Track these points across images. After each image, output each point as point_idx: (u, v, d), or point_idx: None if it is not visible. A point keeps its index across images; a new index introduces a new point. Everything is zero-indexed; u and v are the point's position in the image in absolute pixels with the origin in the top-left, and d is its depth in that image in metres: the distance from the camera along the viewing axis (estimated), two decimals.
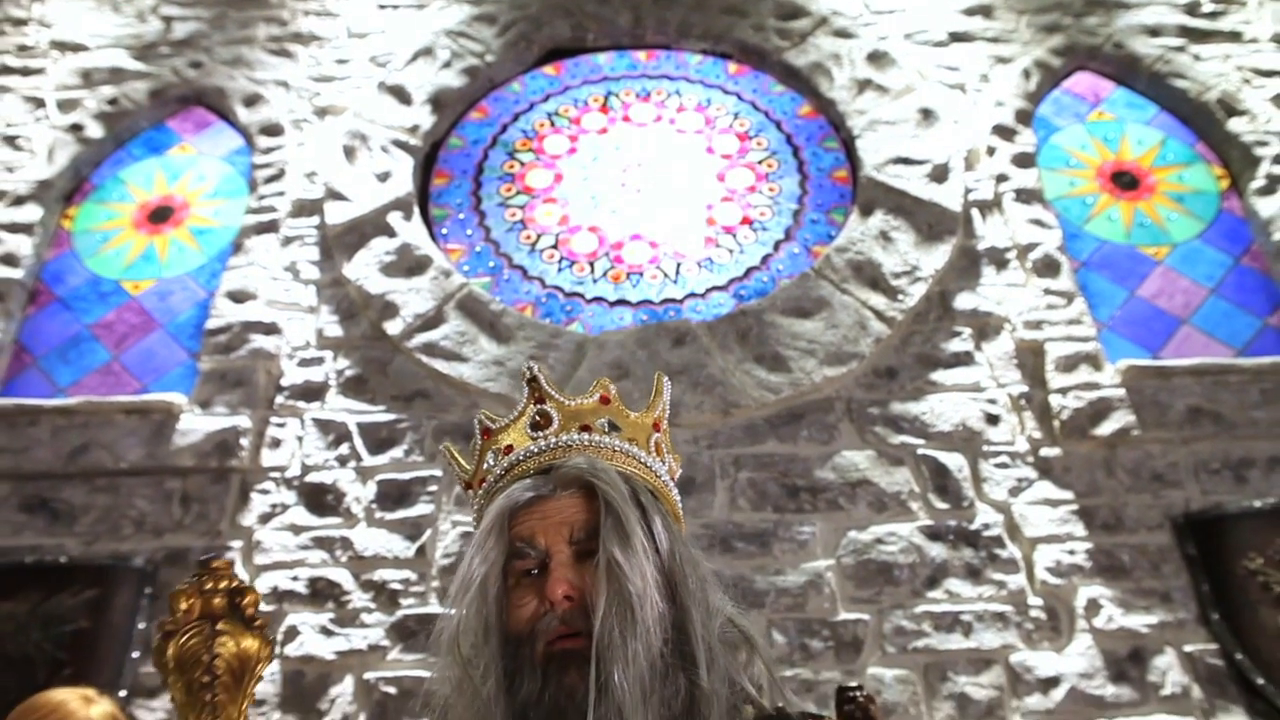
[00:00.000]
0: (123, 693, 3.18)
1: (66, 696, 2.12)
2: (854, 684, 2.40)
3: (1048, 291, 3.86)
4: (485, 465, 1.32)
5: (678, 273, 4.13)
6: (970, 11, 4.81)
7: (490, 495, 1.26)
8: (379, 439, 3.69)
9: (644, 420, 1.33)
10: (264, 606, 3.00)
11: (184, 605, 0.96)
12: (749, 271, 4.12)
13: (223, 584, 0.98)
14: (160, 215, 4.46)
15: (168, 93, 4.79)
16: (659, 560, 1.16)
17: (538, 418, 1.30)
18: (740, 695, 1.18)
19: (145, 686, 3.26)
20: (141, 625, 3.36)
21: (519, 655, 1.13)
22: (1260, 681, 3.06)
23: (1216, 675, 3.14)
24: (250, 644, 0.97)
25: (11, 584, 3.39)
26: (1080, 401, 3.59)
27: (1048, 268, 3.92)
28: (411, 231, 4.16)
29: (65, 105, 4.76)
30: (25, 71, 4.90)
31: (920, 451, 3.57)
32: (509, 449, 1.29)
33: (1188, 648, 3.19)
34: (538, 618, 1.13)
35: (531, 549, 1.17)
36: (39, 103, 4.78)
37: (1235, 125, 4.35)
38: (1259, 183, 4.18)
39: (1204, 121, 4.45)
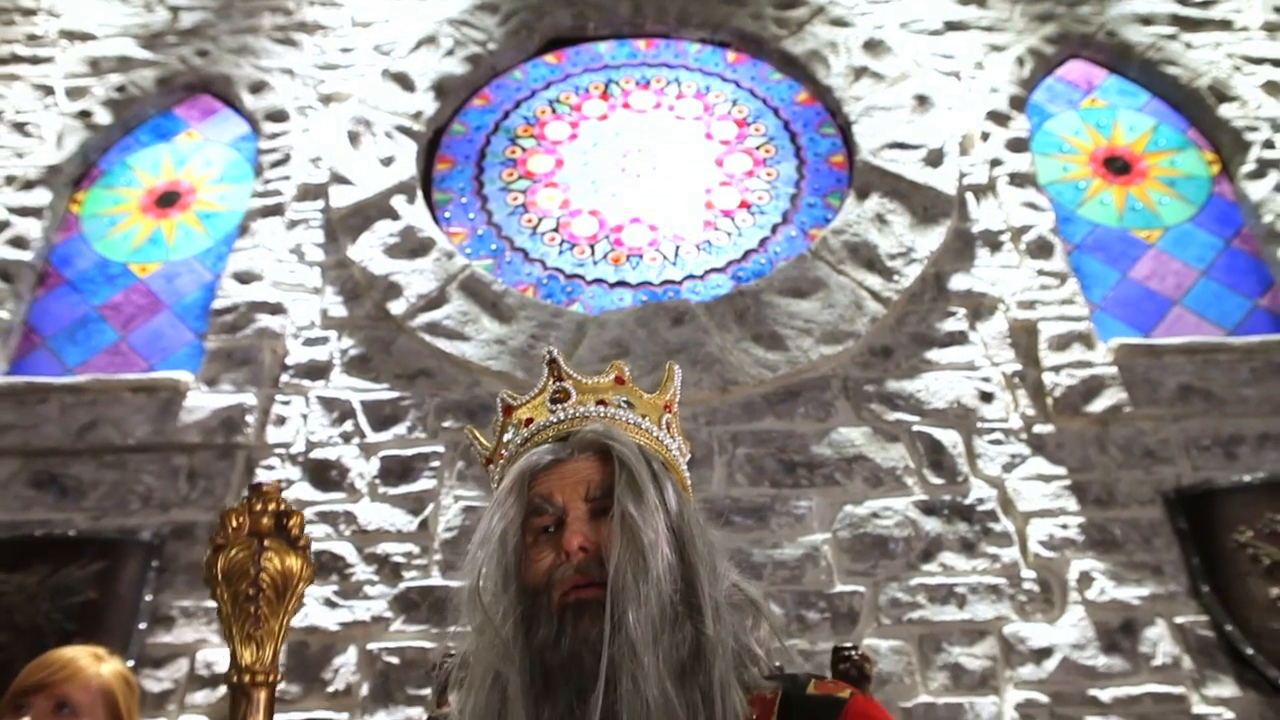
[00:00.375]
0: (130, 662, 3.18)
1: (77, 653, 2.13)
2: (849, 644, 2.42)
3: (1041, 272, 3.86)
4: (506, 438, 1.36)
5: (677, 255, 4.14)
6: (965, 0, 4.82)
7: (511, 462, 1.31)
8: (382, 416, 3.69)
9: (656, 401, 1.39)
10: None
11: (234, 523, 0.99)
12: (747, 254, 4.13)
13: (271, 505, 1.01)
14: (167, 200, 4.47)
15: (175, 80, 4.80)
16: (669, 519, 1.20)
17: (557, 394, 1.35)
18: (747, 654, 1.21)
19: (152, 657, 3.27)
20: (148, 597, 3.37)
21: (536, 603, 1.17)
22: (1250, 651, 3.06)
23: (1207, 646, 3.14)
24: (294, 562, 1.00)
25: (22, 556, 3.41)
26: (1073, 379, 3.59)
27: (1041, 249, 3.92)
28: (415, 214, 4.16)
29: (74, 93, 4.77)
30: (35, 60, 4.90)
31: (915, 428, 3.58)
32: (529, 421, 1.34)
33: (1178, 619, 3.19)
34: (554, 568, 1.18)
35: (549, 505, 1.22)
36: (48, 90, 4.78)
37: (1226, 111, 4.35)
38: (1249, 167, 4.18)
39: (1195, 108, 4.45)
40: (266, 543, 0.99)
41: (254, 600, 0.96)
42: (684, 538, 1.21)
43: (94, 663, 2.13)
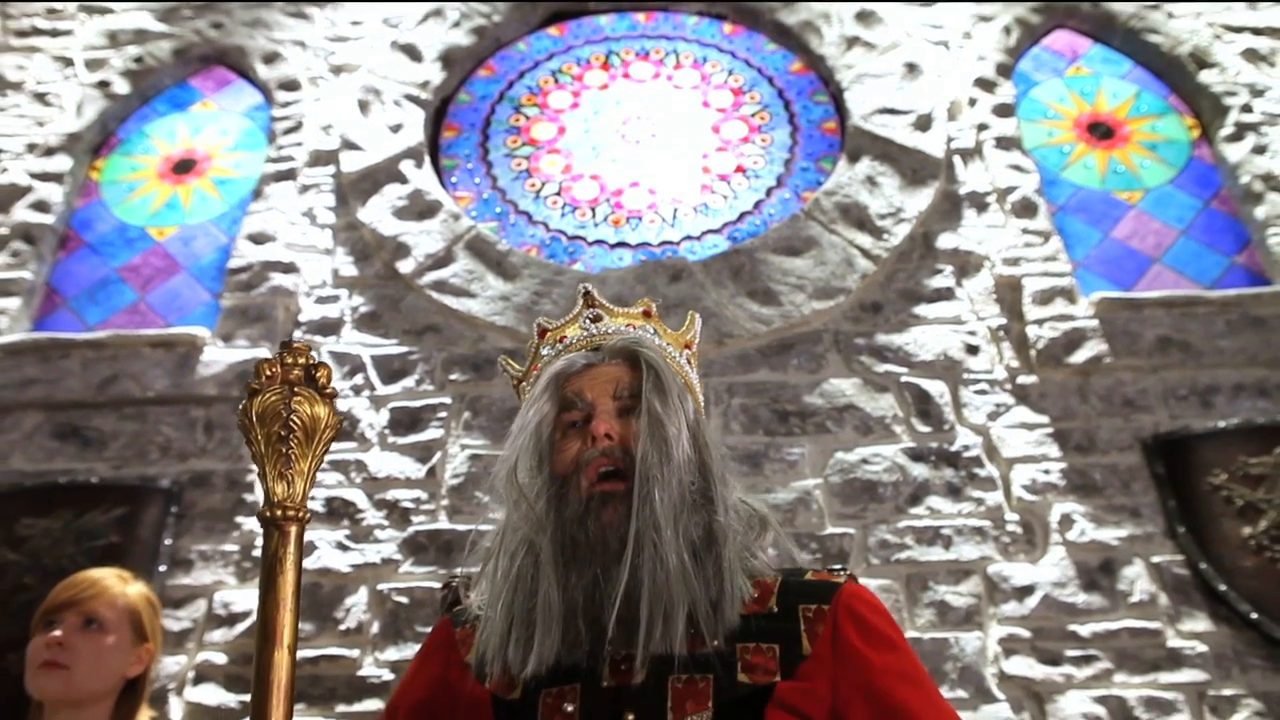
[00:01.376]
0: None
1: (104, 574, 2.19)
2: (838, 565, 2.45)
3: (1025, 231, 3.88)
4: (542, 353, 1.45)
5: (675, 217, 4.16)
6: None
7: (545, 369, 1.39)
8: (392, 370, 3.72)
9: (679, 337, 1.49)
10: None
11: (268, 372, 1.07)
12: (742, 216, 4.15)
13: (301, 360, 1.08)
14: (183, 167, 4.49)
15: (190, 52, 4.81)
16: (688, 423, 1.30)
17: (590, 317, 1.45)
18: (749, 551, 1.32)
19: (172, 598, 3.30)
20: (168, 541, 3.40)
21: (566, 486, 1.26)
22: (1222, 588, 3.09)
23: (1182, 584, 3.17)
24: (321, 410, 1.06)
25: (47, 502, 3.44)
26: (1055, 332, 3.61)
27: (1025, 209, 3.94)
28: (423, 178, 4.18)
29: (93, 64, 4.78)
30: (54, 33, 4.92)
31: (904, 379, 3.60)
32: (563, 338, 1.44)
33: (1155, 559, 3.22)
34: (581, 453, 1.27)
35: (580, 401, 1.31)
36: (68, 62, 4.80)
37: (1206, 77, 4.35)
38: (1228, 130, 4.19)
39: (1176, 75, 4.45)
40: (297, 390, 1.05)
41: (285, 441, 1.03)
42: (700, 442, 1.31)
43: (119, 583, 2.19)
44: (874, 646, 1.24)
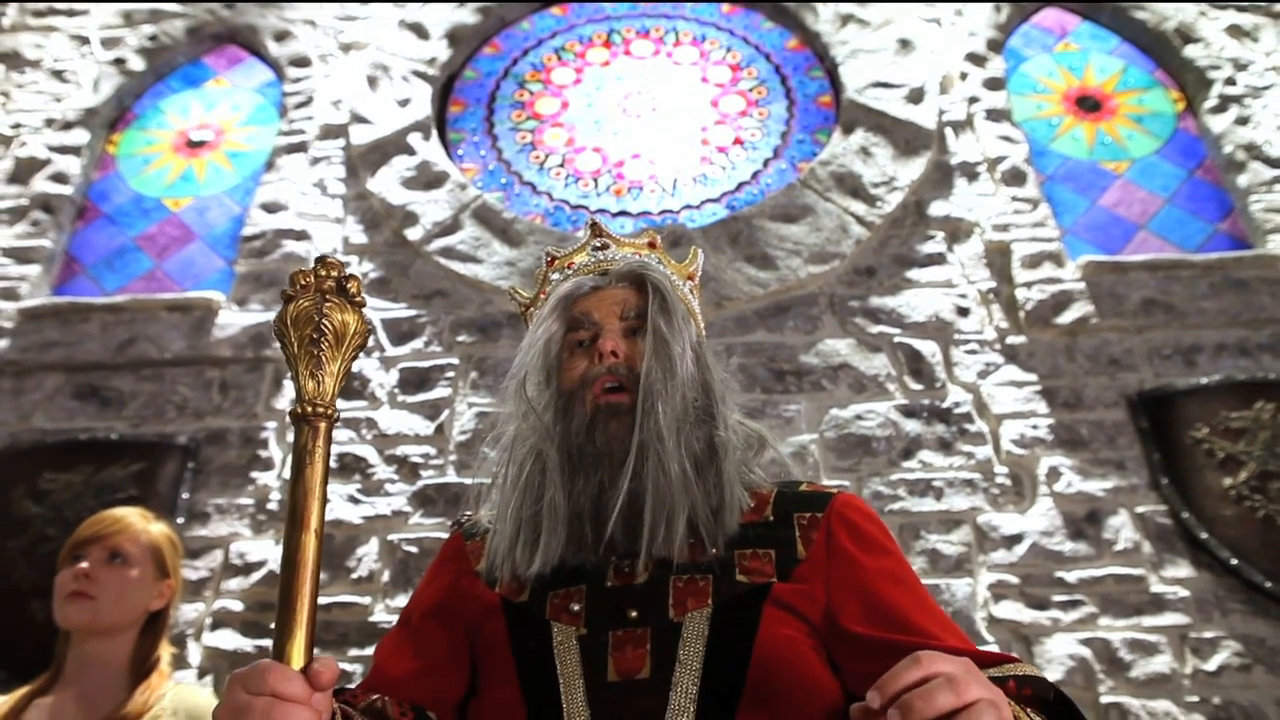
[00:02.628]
0: None
1: (128, 512, 2.22)
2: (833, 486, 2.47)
3: (1015, 199, 3.91)
4: (552, 277, 1.47)
5: (674, 187, 4.19)
6: None
7: (553, 292, 1.41)
8: (401, 332, 3.76)
9: (682, 269, 1.51)
10: None
11: (302, 281, 1.09)
12: (740, 186, 4.18)
13: (334, 272, 1.10)
14: (197, 141, 4.52)
15: (203, 30, 4.84)
16: (691, 344, 1.32)
17: (598, 246, 1.47)
18: (748, 466, 1.35)
19: (190, 549, 3.33)
20: (185, 495, 3.44)
21: (571, 400, 1.29)
22: (1204, 536, 3.13)
23: (1165, 532, 3.21)
24: (351, 318, 1.09)
25: (68, 458, 3.49)
26: (1044, 294, 3.65)
27: (1015, 178, 3.97)
28: (430, 150, 4.21)
29: (109, 43, 4.81)
30: (71, 12, 4.95)
31: (897, 339, 3.63)
32: (571, 264, 1.46)
33: (1139, 509, 3.26)
34: (587, 371, 1.29)
35: (587, 321, 1.34)
36: (84, 40, 4.83)
37: (1191, 52, 4.38)
38: (1212, 102, 4.22)
39: (1162, 50, 4.48)
40: (329, 298, 1.08)
41: (317, 344, 1.06)
42: (703, 363, 1.34)
43: (142, 520, 2.22)
44: (866, 550, 1.28)
